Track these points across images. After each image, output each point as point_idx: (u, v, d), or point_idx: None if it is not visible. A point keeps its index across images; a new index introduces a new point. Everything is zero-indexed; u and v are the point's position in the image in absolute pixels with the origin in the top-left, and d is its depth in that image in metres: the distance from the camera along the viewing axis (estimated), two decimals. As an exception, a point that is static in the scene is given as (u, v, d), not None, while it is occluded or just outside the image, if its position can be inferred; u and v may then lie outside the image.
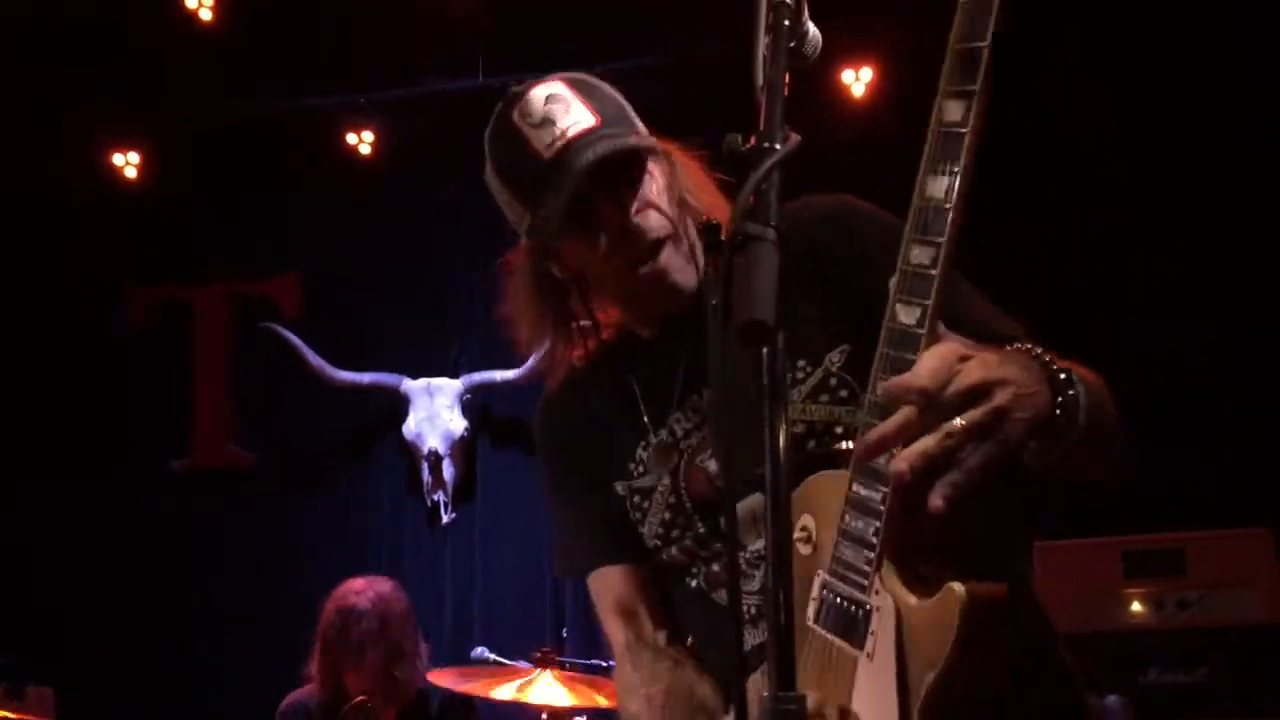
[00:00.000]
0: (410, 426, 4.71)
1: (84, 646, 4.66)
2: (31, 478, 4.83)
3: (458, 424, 4.71)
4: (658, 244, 1.56)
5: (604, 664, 3.51)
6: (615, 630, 1.67)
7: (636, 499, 1.64)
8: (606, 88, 1.64)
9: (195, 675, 4.73)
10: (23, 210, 4.84)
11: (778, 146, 1.13)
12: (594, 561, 1.69)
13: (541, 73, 1.61)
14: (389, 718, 3.48)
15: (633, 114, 1.64)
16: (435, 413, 4.71)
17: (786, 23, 1.22)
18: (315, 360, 4.78)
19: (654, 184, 1.59)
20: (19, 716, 3.69)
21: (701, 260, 1.59)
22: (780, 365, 1.11)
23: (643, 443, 1.64)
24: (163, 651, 4.74)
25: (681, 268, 1.59)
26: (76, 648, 4.64)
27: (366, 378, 4.77)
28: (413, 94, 4.79)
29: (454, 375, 4.76)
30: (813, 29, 1.32)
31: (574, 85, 1.60)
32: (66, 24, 4.74)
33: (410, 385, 4.73)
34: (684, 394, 1.62)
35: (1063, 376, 1.25)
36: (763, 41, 1.25)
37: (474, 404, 4.77)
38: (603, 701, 3.23)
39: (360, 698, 3.18)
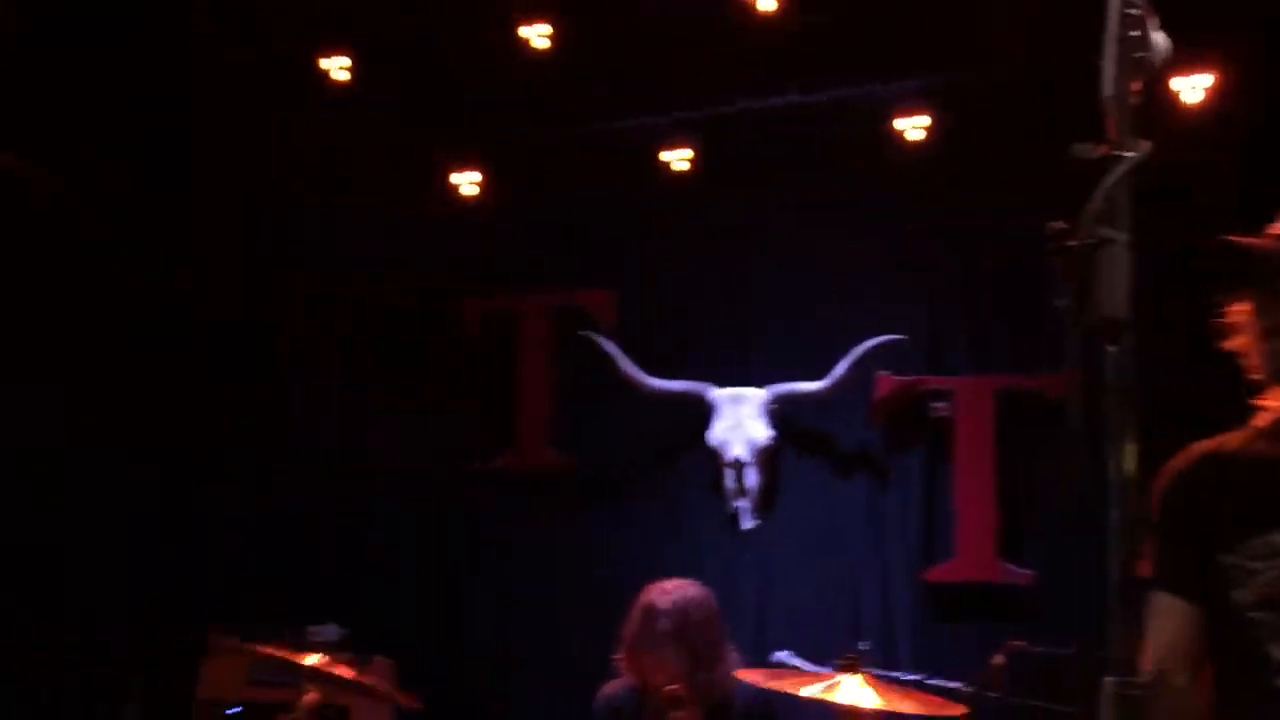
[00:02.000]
0: (715, 434, 4.85)
1: (415, 625, 5.06)
2: (370, 467, 5.29)
3: (762, 433, 4.81)
4: None
5: (901, 677, 3.50)
6: (1148, 655, 1.83)
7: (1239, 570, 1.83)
8: None
9: (511, 660, 5.03)
10: (379, 224, 5.33)
11: (1128, 154, 1.14)
12: (1180, 590, 1.89)
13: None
14: (694, 713, 3.60)
15: None
16: (740, 421, 4.83)
17: (1135, 32, 1.23)
18: (628, 368, 5.01)
19: None
20: (367, 678, 4.00)
21: None
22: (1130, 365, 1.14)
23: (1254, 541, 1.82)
24: (480, 637, 5.07)
25: None
26: (408, 626, 5.04)
27: (676, 385, 4.95)
28: (728, 112, 4.95)
29: (760, 385, 4.87)
30: (1160, 37, 1.32)
31: None
32: (413, 53, 5.20)
33: (717, 394, 4.88)
34: None
35: None
36: (1111, 51, 1.26)
37: (779, 414, 4.86)
38: (909, 709, 3.22)
39: (673, 686, 3.30)
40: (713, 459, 4.90)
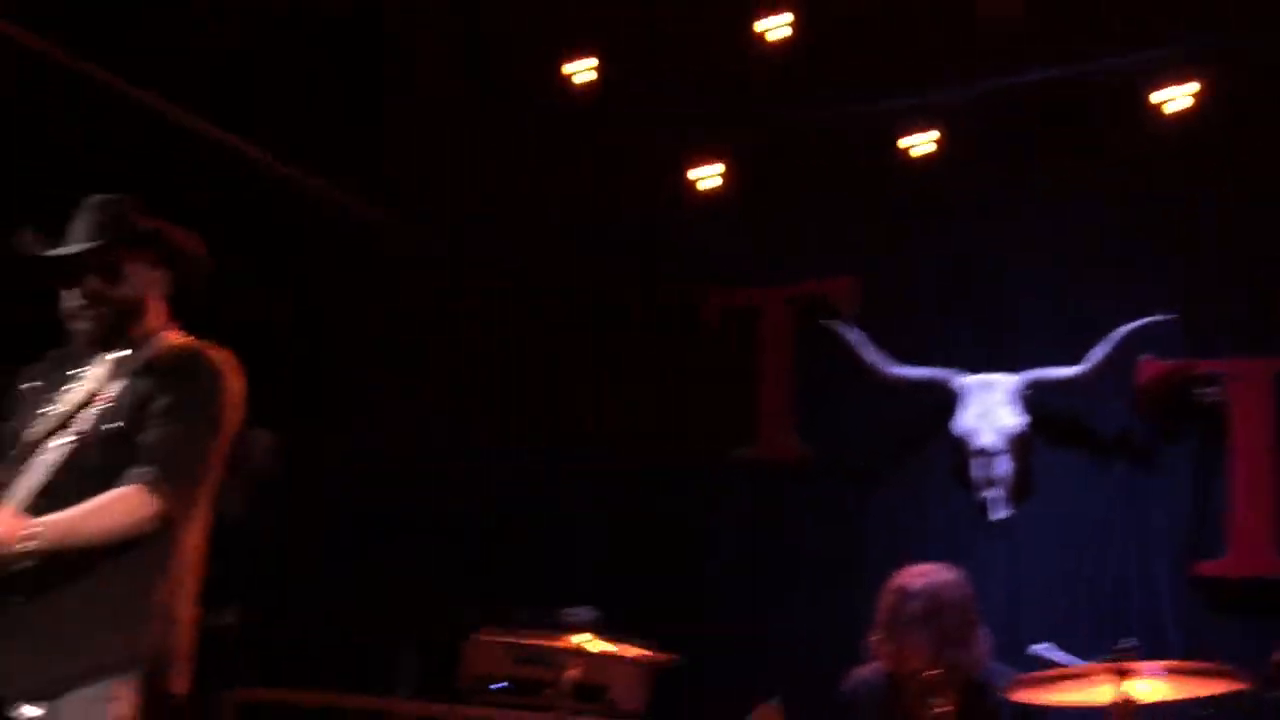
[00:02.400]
0: (963, 422, 4.75)
1: (664, 611, 5.17)
2: (613, 455, 5.43)
3: (1014, 420, 4.68)
4: None
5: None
6: None
7: None
8: None
9: (768, 644, 5.07)
10: (618, 217, 5.47)
11: None
12: None
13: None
14: (950, 697, 3.56)
15: None
16: (990, 409, 4.72)
17: None
18: (871, 355, 4.97)
19: None
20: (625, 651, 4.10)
21: None
22: None
23: None
24: (735, 619, 5.12)
25: None
26: (657, 611, 5.15)
27: (920, 372, 4.88)
28: (974, 92, 4.84)
29: (1009, 371, 4.74)
30: None
31: None
32: (653, 50, 5.31)
33: (964, 381, 4.78)
34: None
35: None
36: None
37: (1032, 400, 4.72)
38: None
39: (932, 671, 3.27)
40: (958, 448, 4.81)
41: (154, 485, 2.38)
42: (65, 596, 2.36)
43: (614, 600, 5.00)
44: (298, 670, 4.83)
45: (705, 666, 5.05)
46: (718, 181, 5.36)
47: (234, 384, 2.58)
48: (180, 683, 2.50)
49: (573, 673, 3.57)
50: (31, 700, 2.33)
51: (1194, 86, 4.40)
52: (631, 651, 4.45)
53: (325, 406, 5.50)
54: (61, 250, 2.55)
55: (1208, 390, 4.43)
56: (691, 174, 5.40)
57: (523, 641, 3.85)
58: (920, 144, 4.94)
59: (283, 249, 5.30)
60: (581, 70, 5.30)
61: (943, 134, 4.89)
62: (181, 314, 2.68)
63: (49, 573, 2.33)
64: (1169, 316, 4.44)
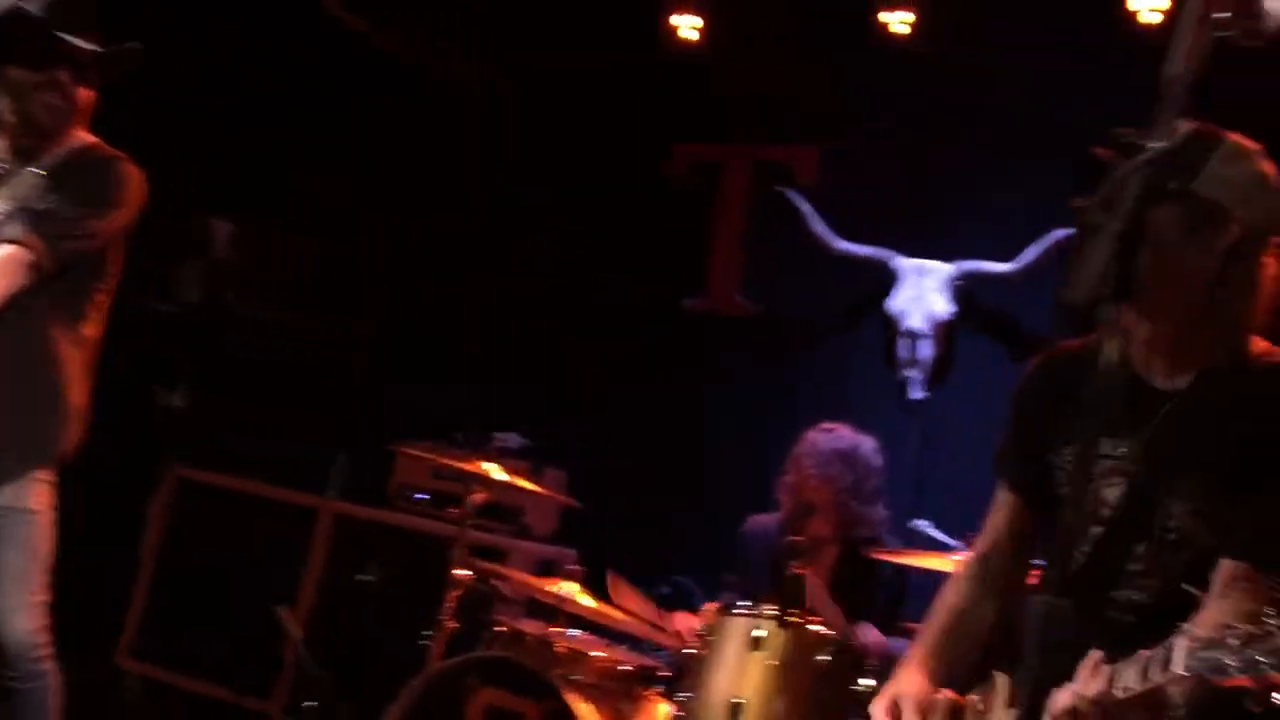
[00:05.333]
0: (896, 302, 4.92)
1: (592, 444, 5.43)
2: (569, 298, 5.62)
3: (942, 306, 4.85)
4: None
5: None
6: (980, 538, 2.19)
7: (1061, 472, 2.00)
8: None
9: (680, 485, 5.34)
10: (592, 68, 5.51)
11: (1152, 145, 1.18)
12: (1007, 478, 2.16)
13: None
14: (832, 555, 3.82)
15: None
16: (922, 293, 4.88)
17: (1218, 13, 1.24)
18: (819, 227, 5.10)
19: None
20: (542, 490, 4.39)
21: None
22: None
23: (1077, 445, 1.89)
24: (665, 459, 5.36)
25: None
26: (586, 444, 5.41)
27: (863, 250, 5.02)
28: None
29: (945, 260, 4.88)
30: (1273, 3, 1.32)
31: None
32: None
33: (902, 263, 4.93)
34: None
35: None
36: (1187, 27, 1.26)
37: (963, 291, 4.87)
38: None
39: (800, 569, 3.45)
40: (890, 326, 4.99)
41: (26, 240, 2.59)
42: None
43: (546, 430, 5.29)
44: (237, 458, 5.12)
45: (625, 500, 5.34)
46: (695, 35, 5.38)
47: (135, 190, 2.77)
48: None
49: (478, 496, 3.82)
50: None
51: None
52: (546, 481, 4.74)
53: (289, 204, 5.65)
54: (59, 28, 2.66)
55: (1127, 302, 4.56)
56: (673, 19, 5.41)
57: (439, 459, 4.10)
58: (896, 22, 4.96)
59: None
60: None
61: (917, 15, 4.90)
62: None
63: None
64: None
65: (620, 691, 3.51)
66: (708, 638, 3.12)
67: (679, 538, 5.15)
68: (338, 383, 5.66)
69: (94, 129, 2.83)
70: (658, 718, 3.49)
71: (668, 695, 3.46)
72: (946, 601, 2.16)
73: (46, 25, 2.64)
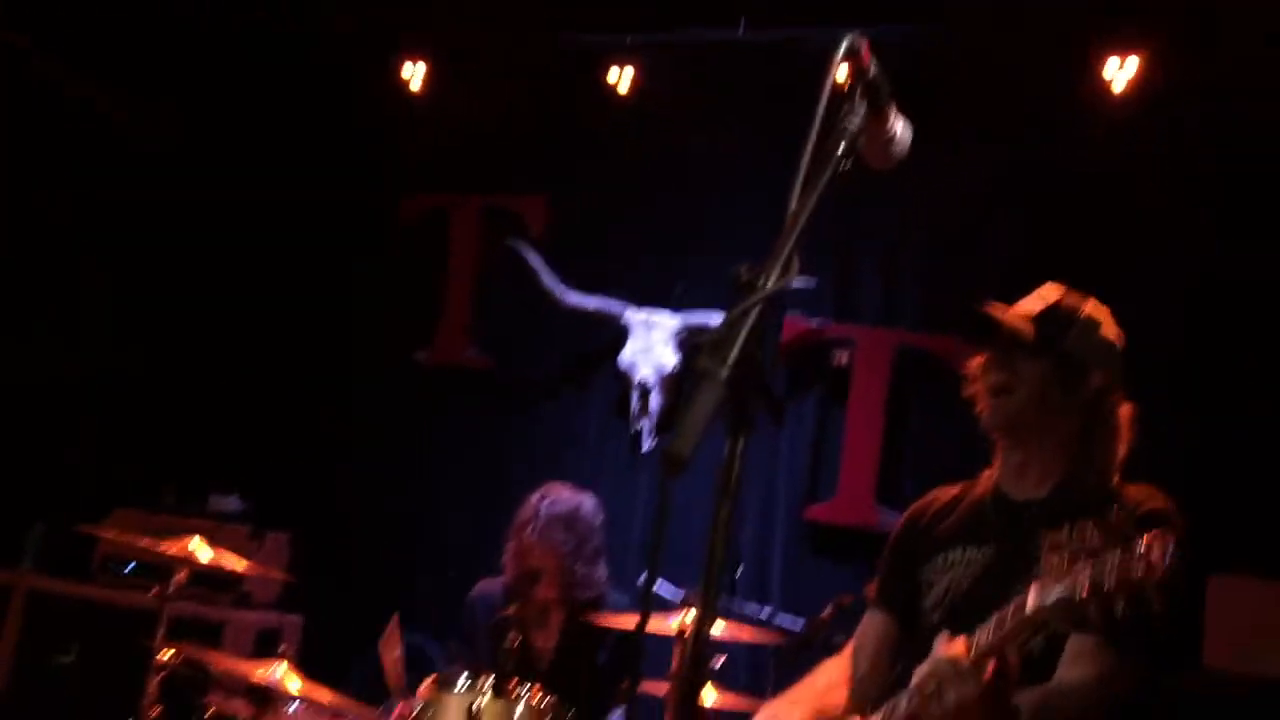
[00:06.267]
0: (625, 355, 4.98)
1: (319, 503, 5.24)
2: (297, 348, 5.42)
3: (670, 359, 4.94)
4: None
5: (748, 612, 3.71)
6: (848, 654, 2.36)
7: (926, 582, 2.22)
8: None
9: (418, 544, 5.21)
10: (323, 116, 5.38)
11: (766, 285, 1.21)
12: (879, 603, 2.34)
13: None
14: (559, 619, 3.80)
15: None
16: (650, 345, 4.96)
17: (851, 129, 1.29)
18: (549, 280, 5.11)
19: None
20: (254, 564, 4.15)
21: None
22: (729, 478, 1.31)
23: (943, 556, 2.20)
24: (390, 520, 5.23)
25: None
26: (312, 503, 5.21)
27: (592, 303, 5.06)
28: (674, 39, 4.97)
29: (675, 311, 4.97)
30: (899, 128, 1.37)
31: None
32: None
33: (631, 316, 4.99)
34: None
35: None
36: (807, 159, 1.30)
37: (688, 343, 4.98)
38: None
39: (517, 639, 3.39)
40: (621, 378, 5.04)
41: None
42: None
43: (270, 491, 5.07)
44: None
45: (353, 559, 5.18)
46: (420, 85, 5.32)
47: None
48: None
49: (181, 576, 3.59)
50: None
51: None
52: (268, 548, 4.53)
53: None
54: None
55: (840, 352, 4.80)
56: (404, 72, 5.33)
57: (137, 540, 3.81)
58: (620, 80, 5.05)
59: None
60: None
61: (639, 74, 5.00)
62: None
63: None
64: (810, 283, 4.72)
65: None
66: (425, 714, 3.04)
67: (413, 598, 5.04)
68: (33, 445, 5.25)
69: None
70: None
71: (386, 773, 3.35)
72: (815, 684, 2.35)
73: None
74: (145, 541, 3.60)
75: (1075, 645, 1.94)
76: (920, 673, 1.81)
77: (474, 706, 2.96)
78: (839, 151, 1.27)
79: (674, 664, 3.39)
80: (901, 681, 1.94)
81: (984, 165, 4.66)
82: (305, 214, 5.47)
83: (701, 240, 5.08)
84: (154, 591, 3.54)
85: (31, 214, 5.21)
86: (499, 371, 5.32)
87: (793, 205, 1.22)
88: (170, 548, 3.53)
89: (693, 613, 3.51)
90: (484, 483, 5.13)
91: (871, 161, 1.32)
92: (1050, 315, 2.18)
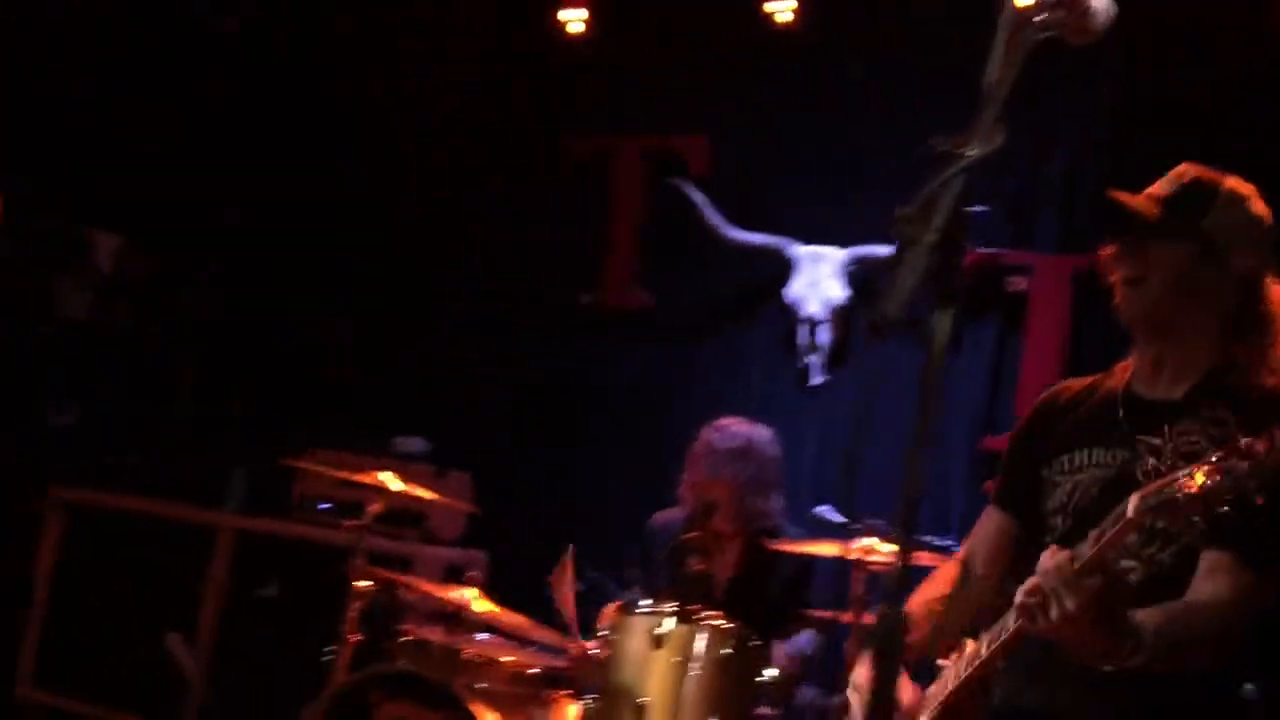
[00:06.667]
0: (792, 290, 4.95)
1: (493, 444, 5.38)
2: (462, 290, 5.56)
3: (838, 292, 4.89)
4: None
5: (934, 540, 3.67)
6: (964, 543, 2.31)
7: (1049, 483, 2.11)
8: None
9: (582, 482, 5.33)
10: (483, 63, 5.46)
11: (969, 153, 1.19)
12: (999, 501, 2.27)
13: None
14: (736, 549, 3.85)
15: None
16: (818, 279, 4.91)
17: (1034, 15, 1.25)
18: (712, 217, 5.10)
19: None
20: (441, 497, 4.34)
21: None
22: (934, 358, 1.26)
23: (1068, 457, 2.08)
24: (556, 456, 5.36)
25: None
26: (487, 445, 5.36)
27: (757, 239, 5.04)
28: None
29: (841, 245, 4.92)
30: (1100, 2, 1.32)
31: None
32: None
33: (797, 251, 4.95)
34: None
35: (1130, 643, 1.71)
36: (1005, 31, 1.28)
37: (857, 275, 4.92)
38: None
39: (700, 566, 3.47)
40: (788, 313, 5.01)
41: None
42: None
43: (450, 432, 5.24)
44: (129, 477, 4.98)
45: (524, 498, 5.32)
46: (582, 27, 5.35)
47: None
48: None
49: (375, 507, 3.76)
50: None
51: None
52: (449, 486, 4.70)
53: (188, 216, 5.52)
54: None
55: (1015, 279, 4.67)
56: (561, 15, 5.37)
57: (333, 473, 4.02)
58: (781, 11, 4.98)
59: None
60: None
61: (802, 4, 4.92)
62: None
63: None
64: (983, 210, 4.58)
65: (528, 696, 3.50)
66: (610, 637, 3.12)
67: (585, 535, 5.15)
68: (234, 393, 5.55)
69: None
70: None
71: (576, 697, 3.45)
72: (925, 595, 2.23)
73: None
74: (341, 473, 3.78)
75: (1208, 560, 1.84)
76: (1024, 587, 1.75)
77: (658, 630, 3.02)
78: (1036, 18, 1.24)
79: (853, 589, 3.40)
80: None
81: (1171, 82, 4.44)
82: (470, 162, 5.58)
83: (865, 175, 4.99)
84: (349, 524, 3.72)
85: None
86: (662, 311, 5.36)
87: (993, 74, 1.20)
88: (364, 479, 3.70)
89: (869, 540, 3.51)
90: (649, 420, 5.19)
91: (1069, 34, 1.28)
92: (1184, 195, 2.02)
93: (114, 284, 5.59)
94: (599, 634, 3.18)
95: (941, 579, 2.26)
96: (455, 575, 4.35)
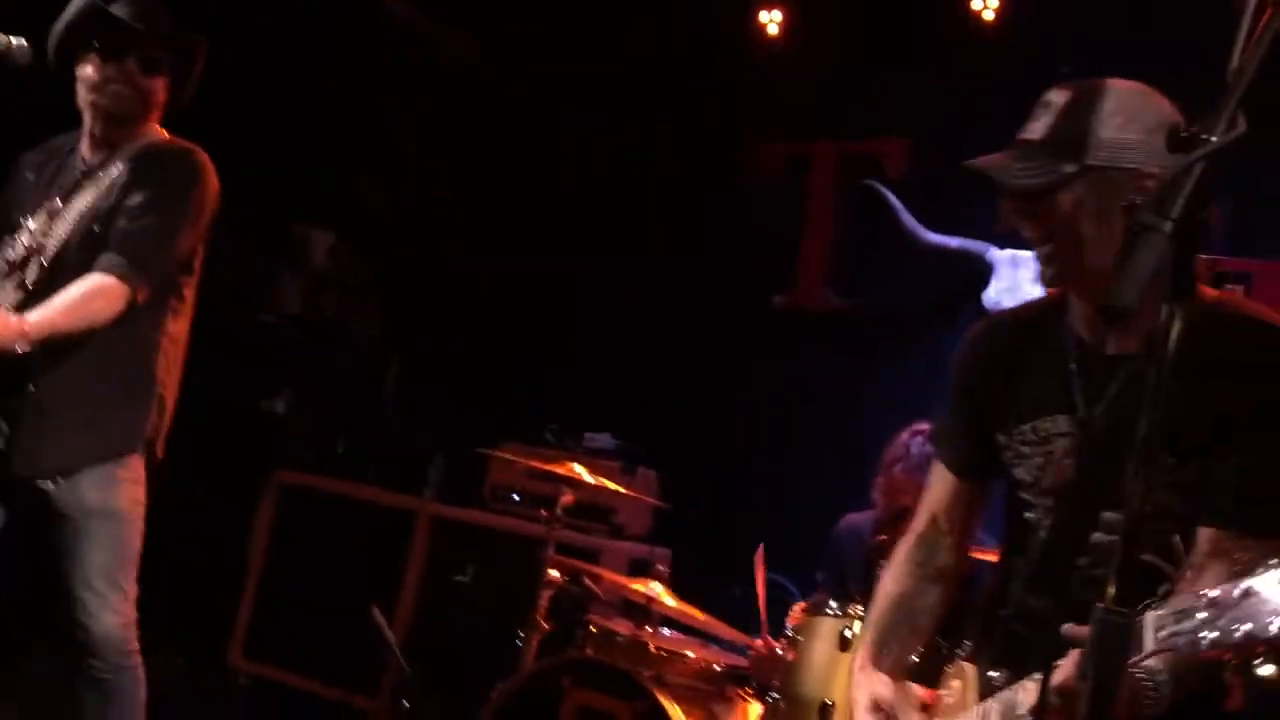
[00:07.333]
0: (990, 294, 4.84)
1: (683, 443, 5.43)
2: (656, 290, 5.64)
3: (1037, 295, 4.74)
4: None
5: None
6: (916, 518, 2.11)
7: (1012, 452, 1.91)
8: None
9: (770, 483, 5.32)
10: (677, 64, 5.53)
11: (1212, 139, 1.15)
12: (946, 458, 2.09)
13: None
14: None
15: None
16: (1017, 284, 4.79)
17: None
18: (909, 221, 5.03)
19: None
20: (631, 491, 4.42)
21: None
22: (1159, 380, 1.21)
23: (1031, 427, 1.88)
24: (745, 457, 5.37)
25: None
26: (676, 444, 5.41)
27: (954, 242, 4.94)
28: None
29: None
30: None
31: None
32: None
33: (996, 254, 4.84)
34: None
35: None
36: (1250, 16, 1.23)
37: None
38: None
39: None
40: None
41: (124, 274, 2.60)
42: (75, 382, 2.66)
43: (642, 429, 5.32)
44: (338, 462, 5.25)
45: (717, 499, 5.34)
46: (777, 30, 5.35)
47: (211, 181, 2.75)
48: (162, 451, 2.82)
49: (568, 497, 3.86)
50: (53, 476, 2.67)
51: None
52: (623, 486, 4.77)
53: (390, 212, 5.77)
54: (126, 18, 2.65)
55: (1231, 287, 4.43)
56: (762, 17, 5.39)
57: (528, 462, 4.15)
58: (987, 7, 4.87)
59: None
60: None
61: (1002, 3, 4.80)
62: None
63: (58, 361, 2.60)
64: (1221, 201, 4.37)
65: (712, 692, 3.52)
66: (796, 638, 3.12)
67: (772, 536, 5.14)
68: (435, 385, 5.76)
69: (193, 141, 2.85)
70: (749, 718, 3.49)
71: (759, 695, 3.46)
72: (886, 590, 2.09)
73: (118, 18, 2.65)
74: (533, 463, 3.88)
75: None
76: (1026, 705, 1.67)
77: (847, 631, 3.00)
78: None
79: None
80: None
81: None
82: (667, 162, 5.65)
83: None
84: (546, 513, 3.82)
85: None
86: (856, 314, 5.32)
87: (1235, 61, 1.16)
88: (556, 468, 3.80)
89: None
90: (838, 423, 5.15)
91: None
92: (1055, 129, 1.81)
93: (326, 279, 5.90)
94: (786, 634, 3.18)
95: (896, 574, 2.10)
96: (640, 570, 4.42)
